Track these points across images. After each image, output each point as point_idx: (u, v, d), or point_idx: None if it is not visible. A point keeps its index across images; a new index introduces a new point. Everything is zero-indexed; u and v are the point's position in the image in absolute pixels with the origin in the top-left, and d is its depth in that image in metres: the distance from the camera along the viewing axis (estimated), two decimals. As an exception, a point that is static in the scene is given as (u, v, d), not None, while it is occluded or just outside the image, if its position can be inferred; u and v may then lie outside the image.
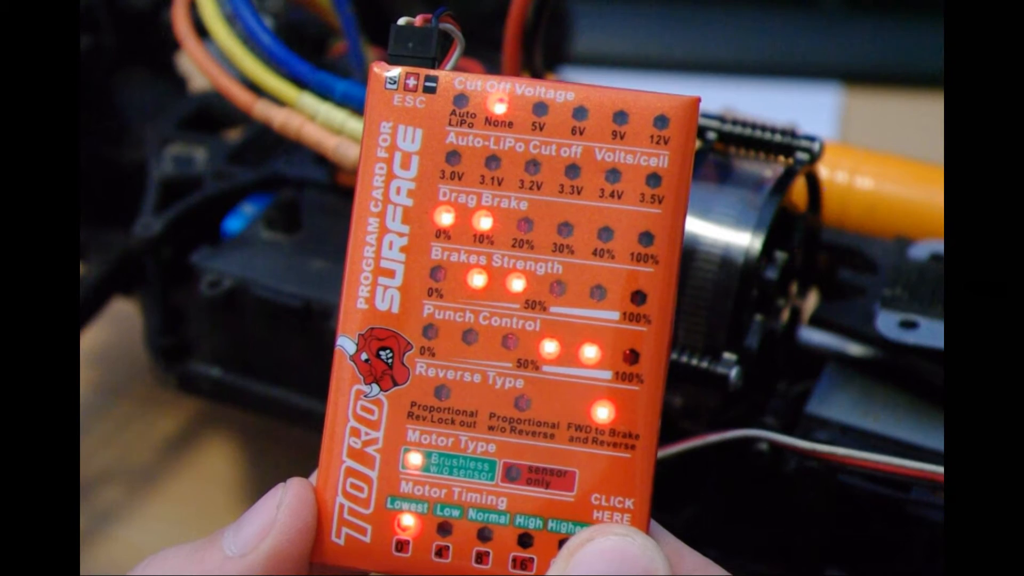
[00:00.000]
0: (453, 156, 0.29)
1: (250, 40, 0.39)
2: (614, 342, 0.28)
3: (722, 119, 0.39)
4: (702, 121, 0.39)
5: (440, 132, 0.29)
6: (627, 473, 0.28)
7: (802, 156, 0.38)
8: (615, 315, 0.28)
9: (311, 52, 0.49)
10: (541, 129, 0.28)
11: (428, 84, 0.29)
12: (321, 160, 0.44)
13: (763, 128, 0.38)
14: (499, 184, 0.28)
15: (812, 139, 0.38)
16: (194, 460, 0.52)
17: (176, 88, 0.54)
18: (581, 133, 0.28)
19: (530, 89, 0.29)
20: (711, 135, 0.39)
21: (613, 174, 0.28)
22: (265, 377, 0.44)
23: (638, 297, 0.28)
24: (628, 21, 0.77)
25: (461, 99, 0.29)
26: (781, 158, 0.38)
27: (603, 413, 0.28)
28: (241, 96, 0.40)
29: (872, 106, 0.72)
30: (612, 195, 0.28)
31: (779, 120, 0.39)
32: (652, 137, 0.28)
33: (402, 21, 0.29)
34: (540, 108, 0.28)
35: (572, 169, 0.28)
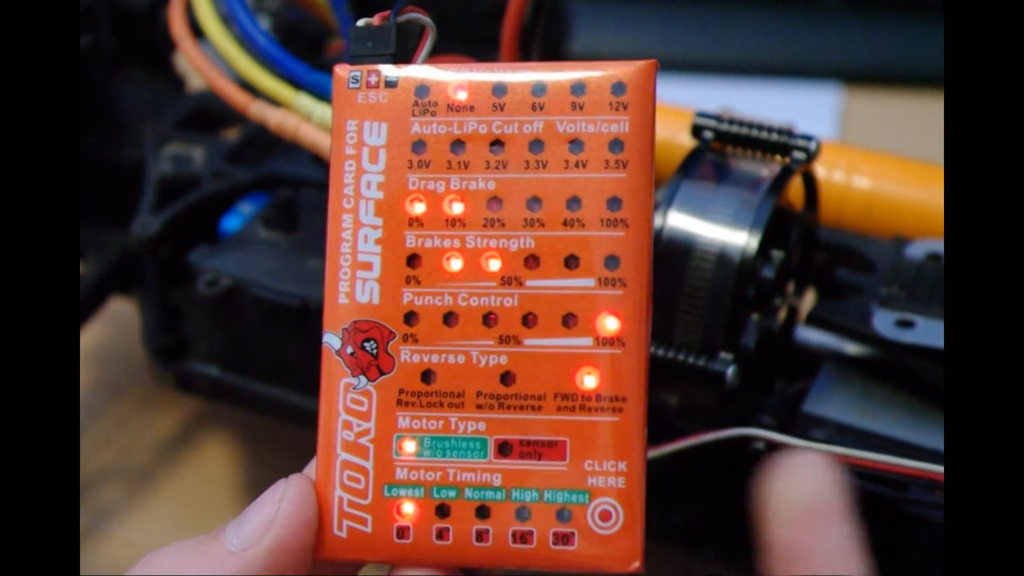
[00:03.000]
0: (419, 145, 0.29)
1: (246, 41, 0.39)
2: (592, 308, 0.28)
3: (719, 118, 0.39)
4: (699, 120, 0.39)
5: (404, 124, 0.29)
6: (618, 436, 0.28)
7: (799, 155, 0.38)
8: (590, 282, 0.28)
9: (308, 51, 0.49)
10: (502, 109, 0.29)
11: (389, 79, 0.29)
12: (318, 159, 0.44)
13: (760, 127, 0.38)
14: (466, 167, 0.29)
15: (809, 138, 0.38)
16: (192, 459, 0.52)
17: (174, 87, 0.54)
18: (541, 108, 0.29)
19: (488, 73, 0.29)
20: (708, 134, 0.39)
21: (576, 144, 0.29)
22: (263, 376, 0.45)
23: (611, 262, 0.28)
24: (628, 21, 0.77)
25: (422, 90, 0.29)
26: (778, 157, 0.38)
27: (587, 380, 0.28)
28: (237, 97, 0.40)
29: (872, 106, 0.72)
30: (577, 165, 0.29)
31: (778, 120, 0.39)
32: (611, 104, 0.28)
33: (361, 22, 0.30)
34: (499, 89, 0.29)
35: (535, 144, 0.29)
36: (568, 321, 0.28)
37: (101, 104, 0.50)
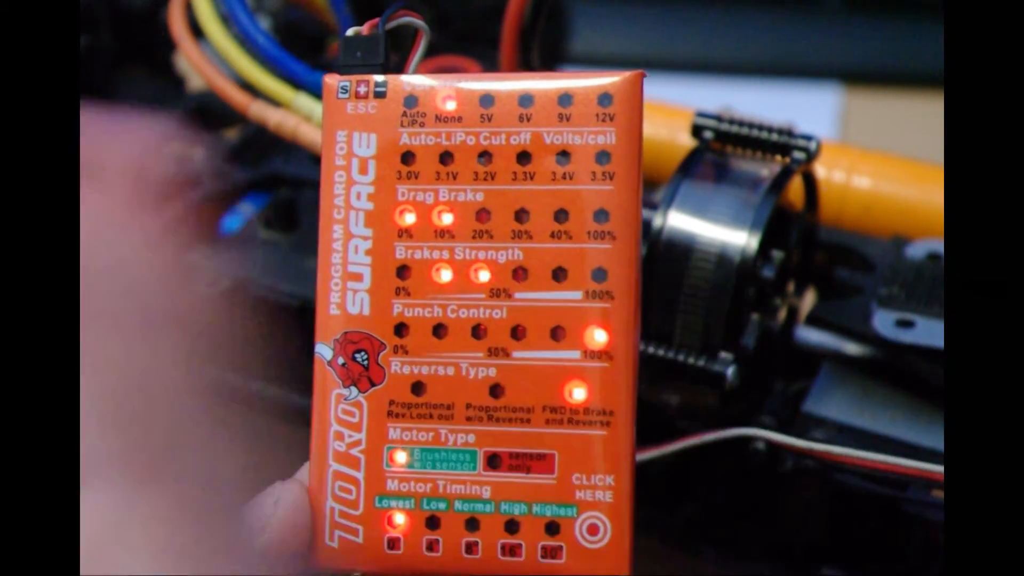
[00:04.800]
0: (408, 156, 0.29)
1: (246, 41, 0.39)
2: (580, 321, 0.28)
3: (719, 118, 0.39)
4: (699, 120, 0.39)
5: (393, 134, 0.29)
6: (605, 450, 0.28)
7: (799, 155, 0.38)
8: (578, 295, 0.28)
9: (308, 51, 0.49)
10: (490, 120, 0.29)
11: (378, 89, 0.29)
12: (318, 159, 0.44)
13: (760, 127, 0.38)
14: (454, 178, 0.29)
15: (809, 138, 0.38)
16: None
17: (174, 87, 0.54)
18: (528, 120, 0.29)
19: (477, 83, 0.29)
20: (708, 134, 0.39)
21: (563, 156, 0.29)
22: (263, 376, 0.45)
23: (598, 274, 0.28)
24: (628, 21, 0.77)
25: (411, 100, 0.29)
26: (778, 157, 0.38)
27: (575, 393, 0.28)
28: (237, 97, 0.40)
29: (872, 106, 0.72)
30: (564, 177, 0.28)
31: (778, 120, 0.39)
32: (598, 115, 0.28)
33: (351, 32, 0.30)
34: (487, 100, 0.29)
35: (523, 156, 0.29)
36: (556, 334, 0.28)
37: (101, 104, 0.50)
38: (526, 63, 0.40)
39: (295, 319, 0.42)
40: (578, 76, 0.29)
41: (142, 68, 0.53)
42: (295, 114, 0.39)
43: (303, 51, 0.42)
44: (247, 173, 0.47)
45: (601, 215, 0.28)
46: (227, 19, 0.40)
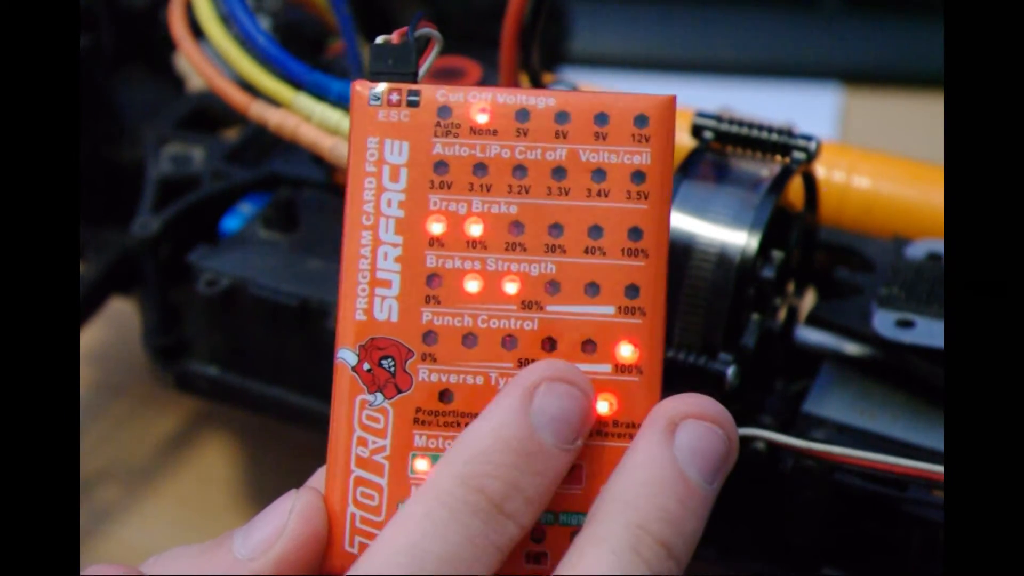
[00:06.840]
0: (441, 166, 0.29)
1: (246, 41, 0.39)
2: (611, 336, 0.28)
3: (719, 118, 0.39)
4: (699, 120, 0.39)
5: (426, 144, 0.29)
6: None
7: (799, 155, 0.38)
8: (610, 310, 0.29)
9: (309, 52, 0.49)
10: (525, 135, 0.29)
11: (411, 98, 0.29)
12: (318, 160, 0.44)
13: (760, 127, 0.38)
14: (488, 190, 0.29)
15: (809, 138, 0.38)
16: (192, 459, 0.52)
17: (174, 87, 0.54)
18: (564, 136, 0.29)
19: (511, 97, 0.29)
20: (708, 134, 0.39)
21: (598, 174, 0.29)
22: (262, 376, 0.45)
23: (631, 291, 0.28)
24: (628, 21, 0.77)
25: (445, 111, 0.29)
26: (778, 157, 0.38)
27: (604, 406, 0.28)
28: (237, 97, 0.40)
29: (872, 106, 0.72)
30: (599, 194, 0.29)
31: (778, 120, 0.39)
32: (633, 136, 0.29)
33: (380, 40, 0.30)
34: (522, 115, 0.29)
35: (558, 171, 0.29)
36: (587, 347, 0.28)
37: (101, 104, 0.50)
38: (526, 63, 0.40)
39: (295, 319, 0.42)
40: (613, 96, 0.29)
41: (142, 68, 0.53)
42: (295, 114, 0.39)
43: (303, 51, 0.42)
44: (247, 173, 0.47)
45: (635, 233, 0.29)
46: (227, 19, 0.40)
